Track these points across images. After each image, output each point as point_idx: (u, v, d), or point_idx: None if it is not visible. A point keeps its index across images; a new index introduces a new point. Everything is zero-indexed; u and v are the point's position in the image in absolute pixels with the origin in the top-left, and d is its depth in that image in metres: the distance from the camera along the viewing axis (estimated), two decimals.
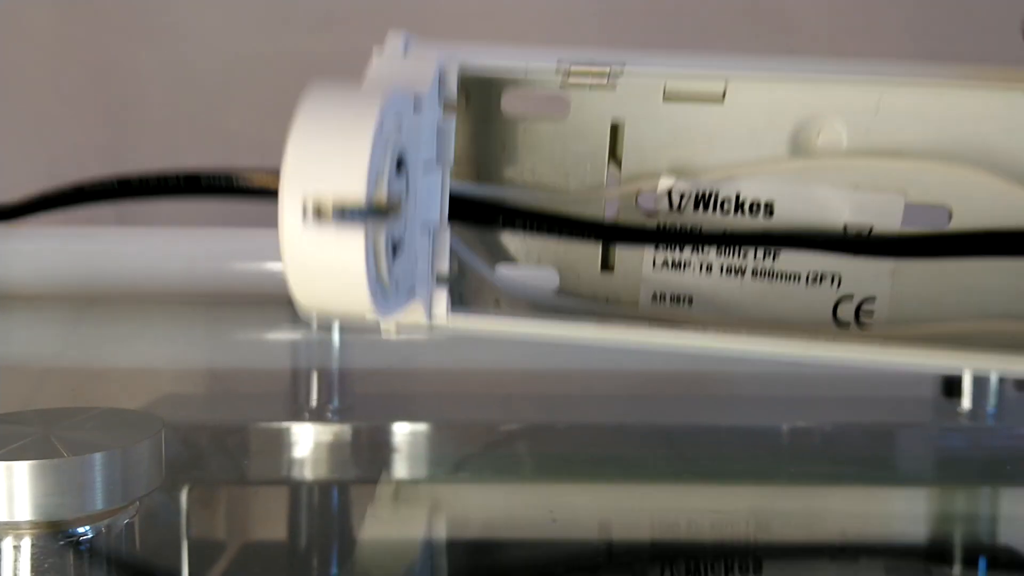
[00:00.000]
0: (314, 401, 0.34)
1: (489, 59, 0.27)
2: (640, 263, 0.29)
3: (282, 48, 0.53)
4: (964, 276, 0.28)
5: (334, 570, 0.23)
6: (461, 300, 0.29)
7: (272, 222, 0.21)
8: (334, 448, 0.30)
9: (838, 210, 0.28)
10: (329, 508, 0.27)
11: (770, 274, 0.28)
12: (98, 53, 0.55)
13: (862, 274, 0.28)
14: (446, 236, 0.26)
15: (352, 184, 0.21)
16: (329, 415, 0.30)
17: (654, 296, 0.29)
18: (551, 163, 0.29)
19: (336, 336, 0.35)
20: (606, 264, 0.29)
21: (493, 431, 0.30)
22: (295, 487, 0.28)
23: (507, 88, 0.28)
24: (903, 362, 0.27)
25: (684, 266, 0.28)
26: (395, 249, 0.23)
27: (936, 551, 0.26)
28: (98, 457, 0.25)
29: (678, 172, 0.28)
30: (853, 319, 0.28)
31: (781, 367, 0.27)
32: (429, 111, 0.26)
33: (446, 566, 0.24)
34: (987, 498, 0.28)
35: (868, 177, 0.28)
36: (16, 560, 0.23)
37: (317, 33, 0.53)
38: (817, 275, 0.28)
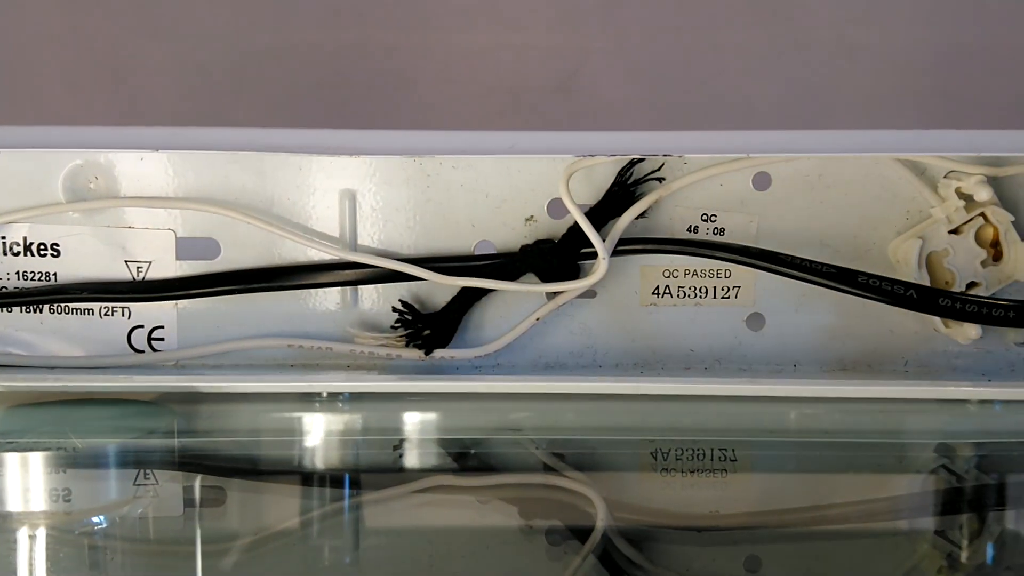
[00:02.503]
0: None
1: None
2: None
3: (290, 42, 0.54)
4: (239, 303, 0.30)
5: (347, 559, 0.23)
6: None
7: None
8: (344, 434, 0.31)
9: (119, 247, 0.30)
10: (340, 496, 0.28)
11: (67, 311, 0.30)
12: (108, 48, 0.55)
13: (150, 307, 0.30)
14: None
15: None
16: (340, 404, 0.31)
17: None
18: None
19: None
20: None
21: None
22: (306, 476, 0.29)
23: None
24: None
25: None
26: None
27: None
28: (112, 447, 0.27)
29: None
30: (148, 346, 0.31)
31: None
32: None
33: None
34: None
35: (144, 217, 0.30)
36: (31, 549, 0.23)
37: (325, 27, 0.54)
38: (108, 309, 0.30)
